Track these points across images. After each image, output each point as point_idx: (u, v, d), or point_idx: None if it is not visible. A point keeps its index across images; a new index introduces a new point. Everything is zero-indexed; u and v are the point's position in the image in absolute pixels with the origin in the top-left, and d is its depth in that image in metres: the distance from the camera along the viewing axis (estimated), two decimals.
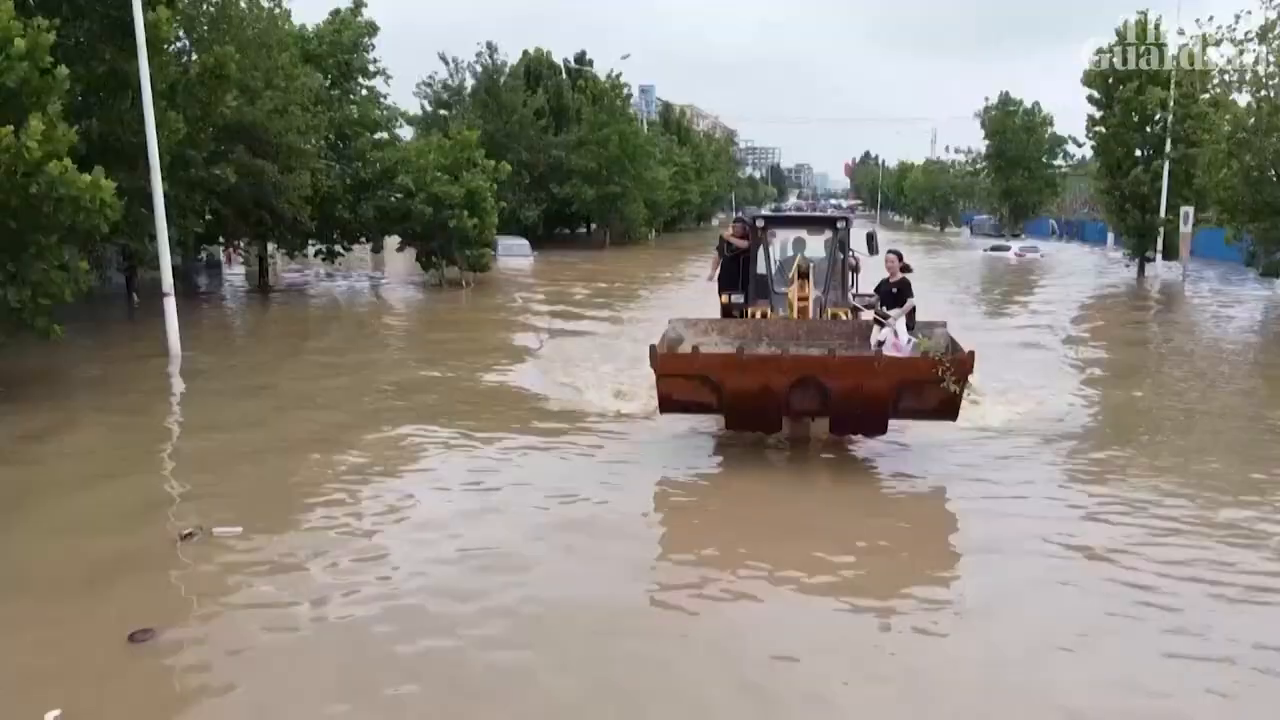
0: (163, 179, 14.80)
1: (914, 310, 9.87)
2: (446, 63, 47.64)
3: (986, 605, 6.04)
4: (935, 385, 8.32)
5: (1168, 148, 30.03)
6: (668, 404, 8.90)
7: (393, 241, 29.46)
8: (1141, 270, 32.73)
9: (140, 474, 8.89)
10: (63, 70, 11.07)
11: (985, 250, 45.57)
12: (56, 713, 4.63)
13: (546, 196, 46.08)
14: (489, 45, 47.12)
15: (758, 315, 11.21)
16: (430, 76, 47.27)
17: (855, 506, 8.09)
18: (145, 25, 14.06)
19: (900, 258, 10.22)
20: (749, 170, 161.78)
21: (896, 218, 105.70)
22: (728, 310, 11.87)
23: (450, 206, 25.35)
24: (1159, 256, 31.75)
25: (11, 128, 10.16)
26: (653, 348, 8.72)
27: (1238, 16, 22.08)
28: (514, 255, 35.50)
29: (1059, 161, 52.29)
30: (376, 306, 24.48)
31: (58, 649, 5.35)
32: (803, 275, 10.63)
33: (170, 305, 14.47)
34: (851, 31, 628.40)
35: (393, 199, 25.73)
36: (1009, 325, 20.53)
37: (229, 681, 5.05)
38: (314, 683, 5.01)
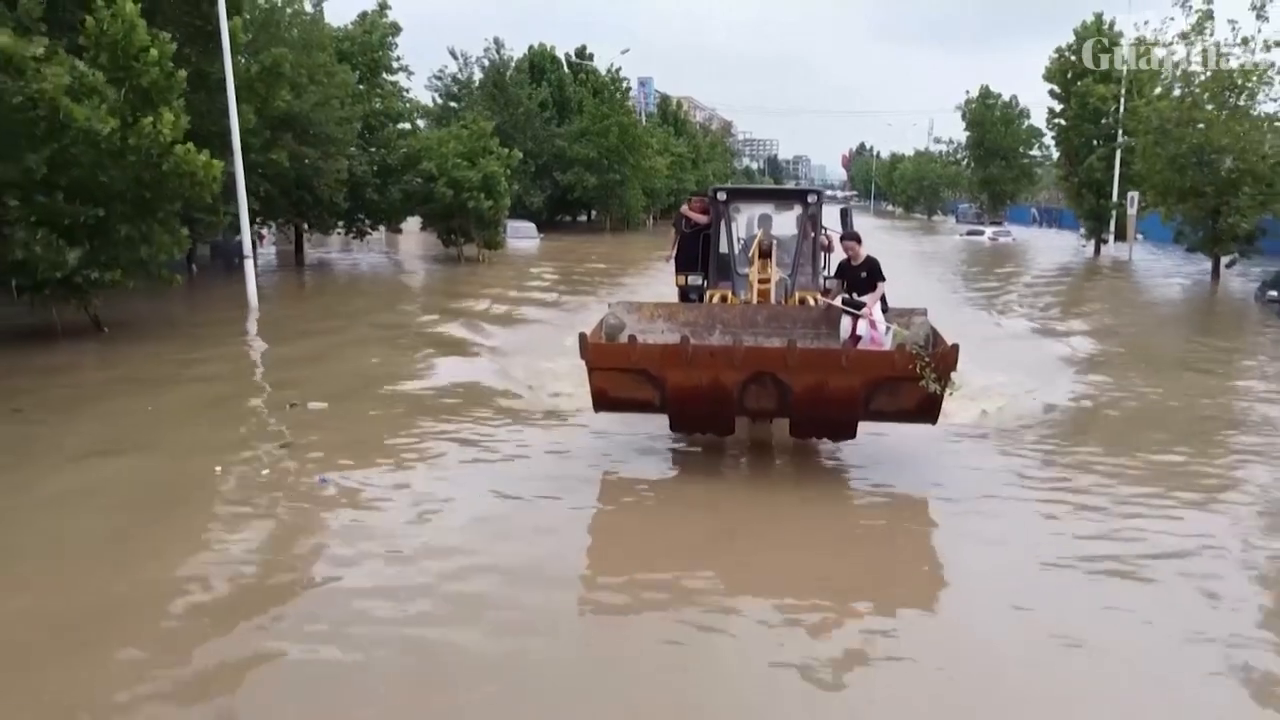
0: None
1: (884, 296, 8.88)
2: (456, 57, 50.52)
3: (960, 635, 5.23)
4: (913, 383, 7.19)
5: (1120, 137, 32.97)
6: (603, 401, 7.80)
7: (410, 223, 32.39)
8: (1097, 250, 35.78)
9: (253, 374, 12.22)
10: (182, 73, 14.01)
11: (961, 235, 48.67)
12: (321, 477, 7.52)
13: (550, 184, 49.03)
14: (496, 41, 50.08)
15: (717, 299, 10.29)
16: (441, 70, 50.16)
17: (815, 520, 7.03)
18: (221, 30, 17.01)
19: (859, 239, 9.30)
20: (746, 161, 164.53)
21: (889, 207, 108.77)
22: (685, 293, 11.03)
23: (469, 189, 28.33)
24: (1112, 237, 34.79)
25: (151, 119, 13.10)
26: (583, 336, 7.64)
27: (1163, 22, 25.05)
28: (522, 237, 38.53)
29: (1035, 152, 55.27)
30: (405, 277, 27.52)
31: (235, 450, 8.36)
32: (764, 254, 9.76)
33: (249, 266, 17.54)
34: (852, 29, 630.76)
35: (416, 183, 28.72)
36: (970, 303, 22.15)
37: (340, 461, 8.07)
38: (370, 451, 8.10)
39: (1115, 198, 33.37)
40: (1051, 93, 35.81)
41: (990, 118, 54.98)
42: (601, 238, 47.15)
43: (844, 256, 9.42)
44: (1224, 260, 25.45)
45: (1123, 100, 32.27)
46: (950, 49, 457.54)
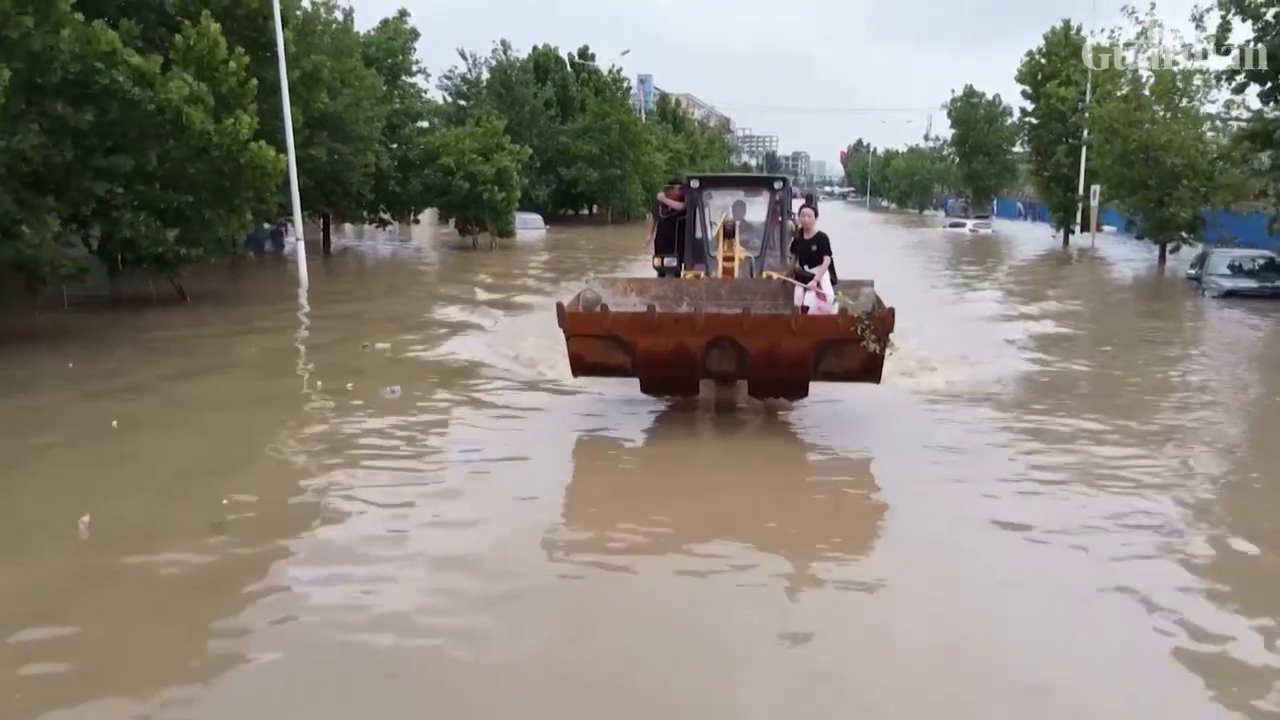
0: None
1: (833, 266, 9.32)
2: (465, 58, 53.07)
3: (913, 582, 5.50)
4: (856, 345, 7.93)
5: (1086, 135, 35.52)
6: (580, 366, 8.56)
7: (425, 214, 34.90)
8: (1066, 240, 38.44)
9: (322, 329, 14.79)
10: (254, 82, 16.61)
11: (945, 227, 51.41)
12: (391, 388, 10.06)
13: (555, 179, 51.67)
14: (503, 43, 52.67)
15: (689, 278, 10.88)
16: (451, 70, 52.73)
17: (773, 473, 7.58)
18: (275, 43, 19.61)
19: (817, 213, 9.75)
20: (745, 157, 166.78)
21: (884, 203, 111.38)
22: (662, 274, 11.64)
23: (483, 183, 30.99)
24: (1079, 228, 37.42)
25: (231, 120, 15.70)
26: (560, 305, 8.30)
27: (1114, 31, 27.67)
28: (530, 228, 41.21)
29: (1017, 148, 57.80)
30: (426, 262, 30.19)
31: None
32: (729, 234, 10.55)
33: (301, 247, 20.21)
34: (851, 27, 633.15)
35: (435, 176, 31.39)
36: (942, 287, 24.06)
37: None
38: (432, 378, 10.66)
39: (1081, 191, 35.96)
40: (1024, 93, 38.49)
41: (974, 116, 57.66)
42: (603, 229, 49.81)
43: (800, 227, 9.75)
44: (1168, 247, 28.06)
45: (1087, 100, 34.79)
46: (951, 47, 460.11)
